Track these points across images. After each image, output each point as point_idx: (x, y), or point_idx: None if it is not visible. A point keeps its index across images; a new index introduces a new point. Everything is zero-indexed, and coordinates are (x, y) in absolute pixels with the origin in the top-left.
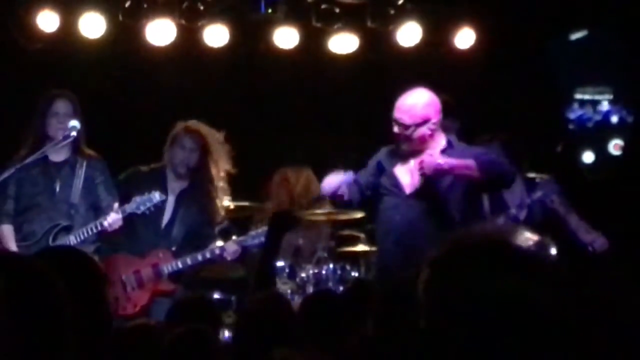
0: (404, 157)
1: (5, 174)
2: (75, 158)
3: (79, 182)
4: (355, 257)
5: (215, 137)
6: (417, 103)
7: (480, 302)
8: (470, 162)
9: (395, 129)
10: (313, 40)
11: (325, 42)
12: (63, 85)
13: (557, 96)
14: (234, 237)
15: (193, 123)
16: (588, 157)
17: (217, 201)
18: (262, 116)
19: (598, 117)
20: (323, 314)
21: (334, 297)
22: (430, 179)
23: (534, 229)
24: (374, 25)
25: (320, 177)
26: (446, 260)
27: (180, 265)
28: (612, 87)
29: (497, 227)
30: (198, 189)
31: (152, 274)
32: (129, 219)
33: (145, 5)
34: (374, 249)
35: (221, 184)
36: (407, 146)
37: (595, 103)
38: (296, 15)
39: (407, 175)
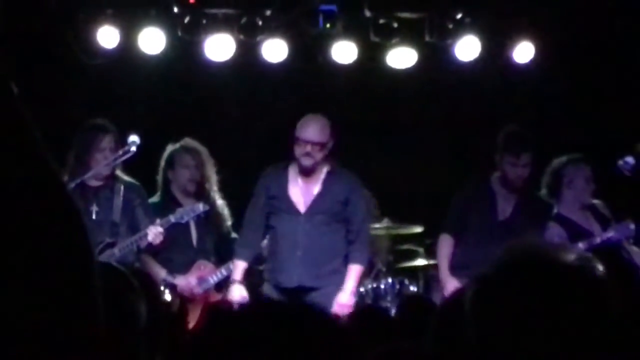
0: (293, 178)
1: None
2: (113, 182)
3: (119, 202)
4: (414, 272)
5: (206, 154)
6: (325, 126)
7: (528, 318)
8: (359, 270)
9: (307, 148)
10: (371, 55)
11: (384, 57)
12: (123, 101)
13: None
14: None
15: (187, 141)
16: None
17: (226, 210)
18: None
19: None
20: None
21: (384, 314)
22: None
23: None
24: (432, 39)
25: (378, 194)
26: (494, 277)
27: (225, 272)
28: None
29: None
30: (207, 201)
31: (200, 287)
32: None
33: (204, 21)
34: (432, 262)
35: (217, 195)
36: (310, 164)
37: None
38: (354, 30)
39: (299, 195)
